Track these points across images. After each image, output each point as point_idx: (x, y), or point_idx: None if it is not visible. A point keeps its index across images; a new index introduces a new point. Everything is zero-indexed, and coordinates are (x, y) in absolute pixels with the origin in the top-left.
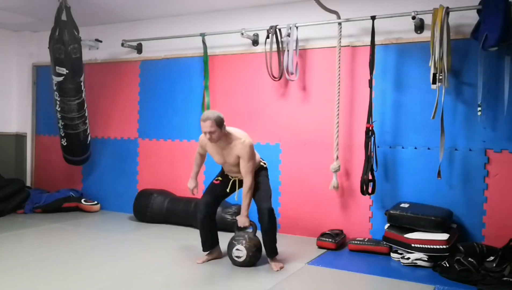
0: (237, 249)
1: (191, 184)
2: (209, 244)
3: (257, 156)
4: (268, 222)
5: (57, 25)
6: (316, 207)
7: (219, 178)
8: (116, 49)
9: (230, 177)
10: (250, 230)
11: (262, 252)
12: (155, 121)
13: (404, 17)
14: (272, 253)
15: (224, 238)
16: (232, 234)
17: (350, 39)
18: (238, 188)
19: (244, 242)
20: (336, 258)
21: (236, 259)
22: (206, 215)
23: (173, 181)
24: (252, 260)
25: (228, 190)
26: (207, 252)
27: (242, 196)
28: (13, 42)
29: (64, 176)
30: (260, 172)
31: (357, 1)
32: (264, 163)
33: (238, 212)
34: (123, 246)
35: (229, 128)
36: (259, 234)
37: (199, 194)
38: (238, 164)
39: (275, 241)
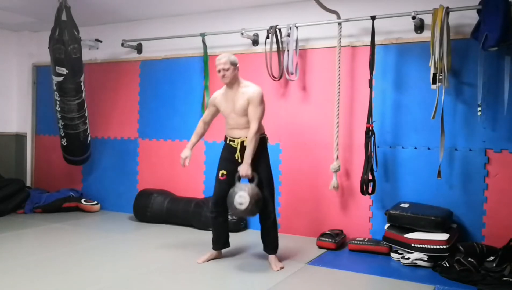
0: (240, 196)
1: (184, 154)
2: (221, 243)
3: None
4: (272, 223)
5: (57, 25)
6: (316, 207)
7: (224, 172)
8: (116, 49)
9: (233, 145)
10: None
11: (258, 253)
12: (155, 121)
13: (404, 17)
14: (274, 249)
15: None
16: (233, 234)
17: (350, 39)
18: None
19: (247, 189)
20: (336, 258)
21: (238, 206)
22: (217, 215)
23: (173, 181)
24: (254, 209)
25: (238, 158)
26: (210, 252)
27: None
28: (13, 42)
29: (64, 176)
30: (260, 155)
31: (357, 1)
32: (265, 135)
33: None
34: (123, 246)
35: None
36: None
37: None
38: (245, 114)
39: (277, 237)
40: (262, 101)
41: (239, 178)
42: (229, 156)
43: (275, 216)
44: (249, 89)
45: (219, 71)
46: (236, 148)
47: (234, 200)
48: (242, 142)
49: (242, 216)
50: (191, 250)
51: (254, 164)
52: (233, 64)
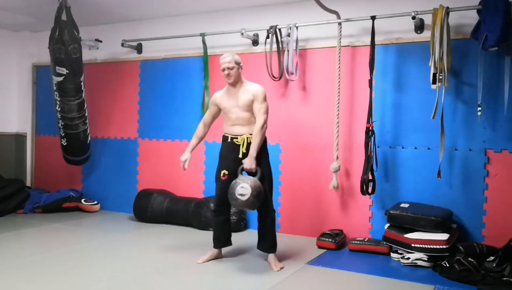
0: (242, 187)
1: (184, 157)
2: (222, 241)
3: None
4: (271, 221)
5: (57, 25)
6: (316, 207)
7: (225, 172)
8: (116, 49)
9: (236, 142)
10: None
11: (258, 253)
12: (155, 121)
13: (404, 17)
14: (273, 247)
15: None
16: (233, 234)
17: (350, 39)
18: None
19: (249, 181)
20: (336, 258)
21: (239, 197)
22: (219, 214)
23: (173, 181)
24: (255, 201)
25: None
26: (210, 252)
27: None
28: (13, 42)
29: (64, 176)
30: (261, 153)
31: (357, 1)
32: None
33: (239, 212)
34: (123, 246)
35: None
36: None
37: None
38: (248, 110)
39: (274, 237)
40: (265, 99)
41: (242, 171)
42: (229, 155)
43: (274, 214)
44: (253, 86)
45: (223, 69)
46: (240, 145)
47: (236, 191)
48: (247, 138)
49: (242, 208)
50: (191, 250)
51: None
52: (238, 63)
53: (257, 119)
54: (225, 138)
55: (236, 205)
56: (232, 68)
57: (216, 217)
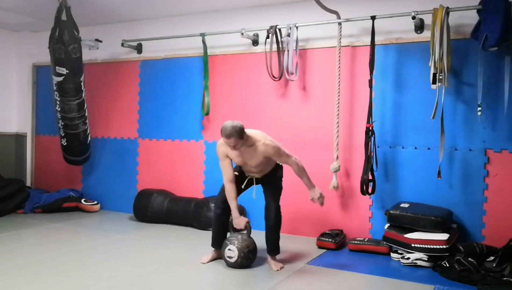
0: (229, 249)
1: (241, 220)
2: (220, 242)
3: None
4: (274, 219)
5: (57, 25)
6: (316, 207)
7: (236, 173)
8: (116, 49)
9: (246, 175)
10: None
11: (259, 253)
12: (155, 121)
13: (404, 17)
14: (274, 250)
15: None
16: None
17: (350, 39)
18: (256, 184)
19: (236, 242)
20: (336, 258)
21: (228, 259)
22: (223, 211)
23: (173, 181)
24: (244, 262)
25: (243, 186)
26: (212, 251)
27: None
28: (13, 42)
29: (64, 176)
30: (277, 171)
31: (357, 1)
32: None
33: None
34: (123, 246)
35: (246, 131)
36: (257, 234)
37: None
38: (258, 165)
39: (278, 239)
40: (278, 146)
41: (234, 228)
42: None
43: (278, 218)
44: (258, 145)
45: (229, 146)
46: (249, 178)
47: (225, 253)
48: (255, 180)
49: (234, 268)
50: (191, 250)
51: (268, 181)
52: (241, 137)
53: (292, 166)
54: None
55: (227, 265)
56: (237, 143)
57: (218, 216)
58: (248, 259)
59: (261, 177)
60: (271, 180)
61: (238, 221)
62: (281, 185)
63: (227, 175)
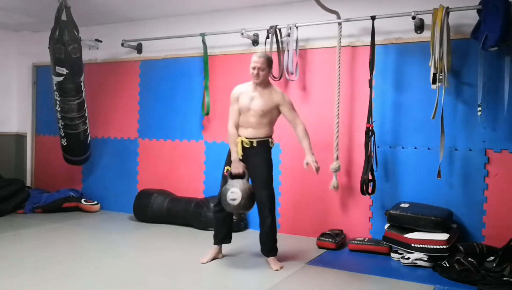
0: (232, 192)
1: (240, 166)
2: (221, 237)
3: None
4: (268, 226)
5: (57, 25)
6: (316, 207)
7: (228, 168)
8: (116, 49)
9: (238, 140)
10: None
11: (259, 253)
12: (155, 121)
13: (404, 17)
14: (270, 251)
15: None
16: (233, 234)
17: (350, 39)
18: (245, 163)
19: (238, 185)
20: (336, 258)
21: (231, 202)
22: (221, 209)
23: (173, 181)
24: (247, 203)
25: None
26: (212, 250)
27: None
28: (13, 42)
29: (64, 176)
30: (264, 156)
31: (357, 1)
32: (273, 142)
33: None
34: (123, 246)
35: None
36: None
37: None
38: (261, 114)
39: (274, 242)
40: (292, 104)
41: (231, 175)
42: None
43: (273, 220)
44: (278, 92)
45: (253, 68)
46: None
47: (227, 197)
48: (242, 141)
49: (237, 211)
50: (191, 250)
51: (257, 163)
52: (269, 65)
53: (296, 128)
54: None
55: (230, 210)
56: (263, 70)
57: (217, 213)
58: (251, 200)
59: (249, 148)
60: (259, 159)
61: (237, 164)
62: (271, 170)
63: (233, 119)
